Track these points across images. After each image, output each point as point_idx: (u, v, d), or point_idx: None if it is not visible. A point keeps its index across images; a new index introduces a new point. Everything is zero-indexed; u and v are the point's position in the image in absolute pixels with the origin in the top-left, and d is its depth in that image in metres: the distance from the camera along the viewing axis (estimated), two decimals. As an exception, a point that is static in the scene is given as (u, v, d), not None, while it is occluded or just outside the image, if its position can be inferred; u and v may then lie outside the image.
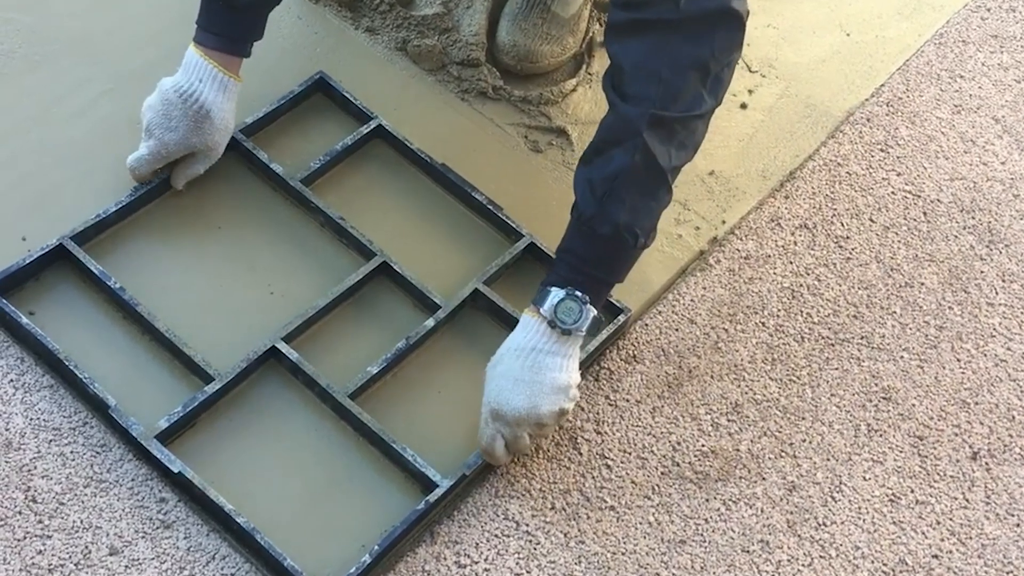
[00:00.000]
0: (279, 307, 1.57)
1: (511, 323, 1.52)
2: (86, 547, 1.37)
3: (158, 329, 1.49)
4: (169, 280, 1.57)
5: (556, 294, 1.41)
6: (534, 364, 1.41)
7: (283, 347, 1.50)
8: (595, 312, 1.43)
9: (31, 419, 1.43)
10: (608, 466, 1.53)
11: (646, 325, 1.66)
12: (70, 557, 1.36)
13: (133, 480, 1.41)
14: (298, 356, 1.49)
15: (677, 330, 1.67)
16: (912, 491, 1.58)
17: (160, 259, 1.58)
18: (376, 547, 1.37)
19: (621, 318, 1.61)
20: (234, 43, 1.57)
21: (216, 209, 1.64)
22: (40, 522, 1.37)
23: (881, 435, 1.62)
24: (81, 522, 1.38)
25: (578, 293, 1.41)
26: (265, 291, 1.58)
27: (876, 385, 1.66)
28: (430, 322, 1.56)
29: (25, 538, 1.36)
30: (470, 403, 1.49)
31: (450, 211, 1.70)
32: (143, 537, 1.38)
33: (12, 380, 1.46)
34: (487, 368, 1.45)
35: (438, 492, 1.42)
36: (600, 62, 1.91)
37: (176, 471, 1.38)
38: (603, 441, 1.55)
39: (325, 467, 1.46)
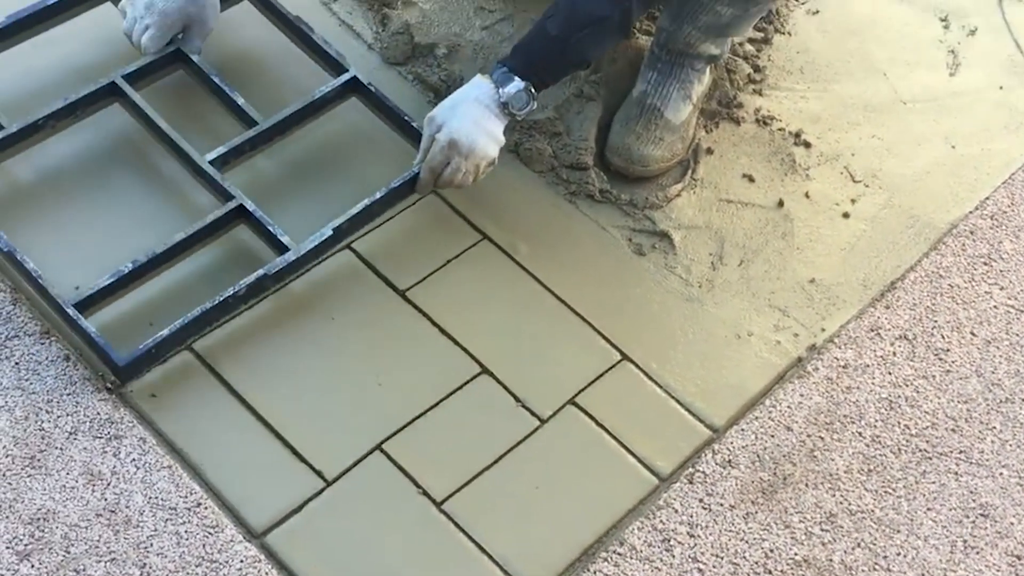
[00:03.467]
0: (385, 401, 1.64)
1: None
2: (195, 624, 1.43)
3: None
4: (283, 371, 1.64)
5: (517, 84, 1.72)
6: (487, 116, 1.72)
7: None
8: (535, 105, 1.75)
9: (150, 498, 1.51)
10: (700, 570, 1.55)
11: (742, 430, 1.68)
12: (179, 633, 1.42)
13: (242, 561, 1.48)
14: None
15: (773, 436, 1.69)
16: (1008, 611, 1.56)
17: (276, 351, 1.66)
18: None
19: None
20: None
21: (329, 303, 1.72)
22: (153, 597, 1.44)
23: (978, 552, 1.61)
24: (191, 599, 1.44)
25: (532, 90, 1.73)
26: (373, 384, 1.65)
27: (974, 501, 1.66)
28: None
29: (139, 612, 1.43)
30: (564, 503, 1.55)
31: (552, 313, 1.76)
32: (249, 617, 1.44)
33: (135, 459, 1.53)
34: (437, 110, 1.74)
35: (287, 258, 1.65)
36: (705, 168, 1.96)
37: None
38: (696, 544, 1.57)
39: (420, 564, 1.52)
